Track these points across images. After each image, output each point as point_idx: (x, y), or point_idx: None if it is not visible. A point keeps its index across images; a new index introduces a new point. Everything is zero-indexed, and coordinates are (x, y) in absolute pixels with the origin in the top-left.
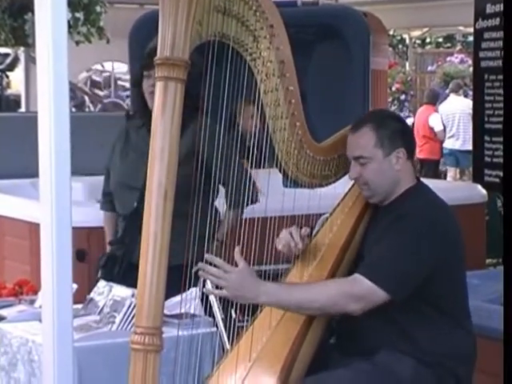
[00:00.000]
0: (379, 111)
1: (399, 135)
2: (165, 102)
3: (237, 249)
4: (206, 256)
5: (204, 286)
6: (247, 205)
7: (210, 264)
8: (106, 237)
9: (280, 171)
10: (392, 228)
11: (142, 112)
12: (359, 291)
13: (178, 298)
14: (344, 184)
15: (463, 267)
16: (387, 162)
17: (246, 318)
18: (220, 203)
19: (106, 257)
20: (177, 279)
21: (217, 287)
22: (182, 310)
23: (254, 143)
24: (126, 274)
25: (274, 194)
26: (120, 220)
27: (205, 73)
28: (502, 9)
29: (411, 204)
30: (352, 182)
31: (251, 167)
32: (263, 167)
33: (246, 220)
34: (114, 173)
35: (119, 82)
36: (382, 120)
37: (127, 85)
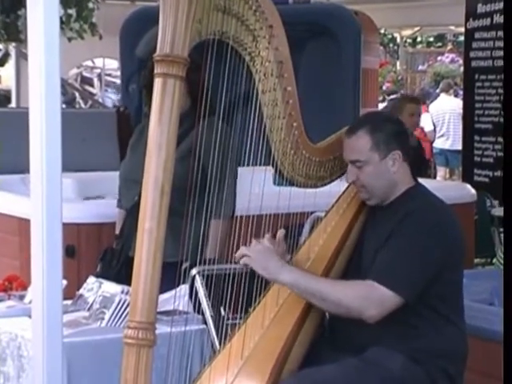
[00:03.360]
0: (374, 114)
1: (395, 137)
2: (163, 98)
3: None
4: None
5: (193, 283)
6: (224, 217)
7: None
8: (116, 230)
9: (276, 171)
10: (398, 230)
11: None
12: (378, 297)
13: (166, 295)
14: (339, 183)
15: (461, 268)
16: (383, 164)
17: (235, 315)
18: None
19: (104, 250)
20: (166, 276)
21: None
22: (173, 307)
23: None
24: (123, 268)
25: (269, 192)
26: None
27: (203, 71)
28: (493, 9)
29: (413, 205)
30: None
31: (248, 164)
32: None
33: (241, 218)
34: (122, 167)
35: (109, 79)
36: (377, 123)
37: (118, 81)
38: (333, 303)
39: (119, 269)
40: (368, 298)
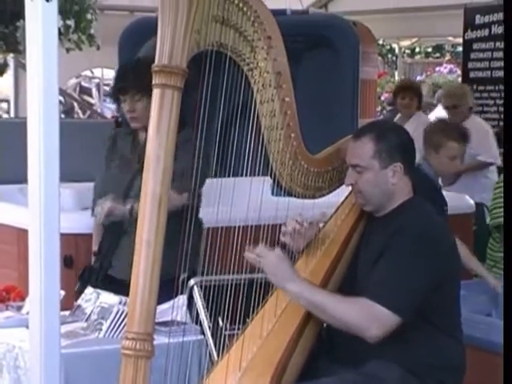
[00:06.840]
0: (383, 122)
1: (399, 150)
2: (161, 109)
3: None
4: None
5: (191, 294)
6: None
7: None
8: (93, 246)
9: (274, 181)
10: (390, 245)
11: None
12: (377, 317)
13: (165, 306)
14: (338, 193)
15: (458, 280)
16: (383, 174)
17: (233, 326)
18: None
19: (83, 269)
20: (164, 292)
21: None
22: (171, 318)
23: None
24: (103, 287)
25: (267, 203)
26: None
27: (201, 82)
28: (491, 20)
29: (405, 218)
30: (346, 193)
31: (246, 175)
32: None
33: (238, 228)
34: (99, 180)
35: (108, 89)
36: (383, 132)
37: None
38: (333, 318)
39: (99, 287)
40: (368, 316)
